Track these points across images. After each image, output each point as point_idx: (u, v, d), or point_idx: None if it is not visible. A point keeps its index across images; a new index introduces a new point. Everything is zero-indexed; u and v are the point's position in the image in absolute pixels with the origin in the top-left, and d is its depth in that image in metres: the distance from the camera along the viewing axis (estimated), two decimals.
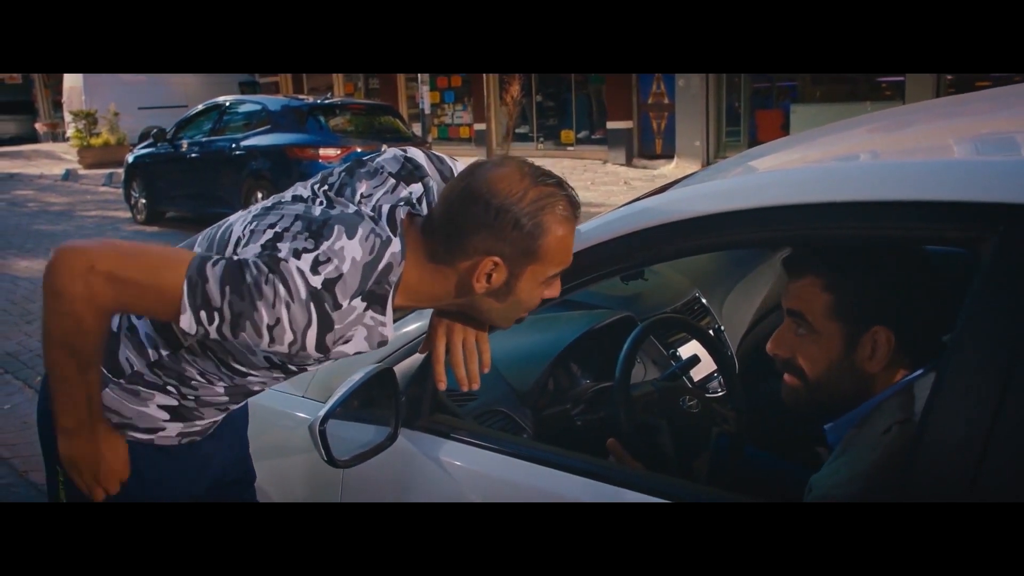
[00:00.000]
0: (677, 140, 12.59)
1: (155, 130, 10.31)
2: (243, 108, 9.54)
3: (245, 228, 1.29)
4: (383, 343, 1.29)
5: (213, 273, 1.19)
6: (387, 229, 1.26)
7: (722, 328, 2.31)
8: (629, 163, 13.27)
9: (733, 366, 2.15)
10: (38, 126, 27.85)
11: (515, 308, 1.30)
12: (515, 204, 1.18)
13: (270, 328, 1.19)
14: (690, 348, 2.10)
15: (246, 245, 1.24)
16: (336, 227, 1.22)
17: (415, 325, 1.66)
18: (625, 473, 1.41)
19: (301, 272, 1.17)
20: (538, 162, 1.28)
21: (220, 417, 1.52)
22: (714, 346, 2.02)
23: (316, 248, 1.19)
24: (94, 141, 18.57)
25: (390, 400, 1.49)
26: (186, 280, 1.18)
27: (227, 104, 9.72)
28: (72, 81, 21.03)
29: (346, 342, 1.25)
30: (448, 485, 1.49)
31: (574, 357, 1.98)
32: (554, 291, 1.30)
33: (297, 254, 1.19)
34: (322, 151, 8.32)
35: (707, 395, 1.98)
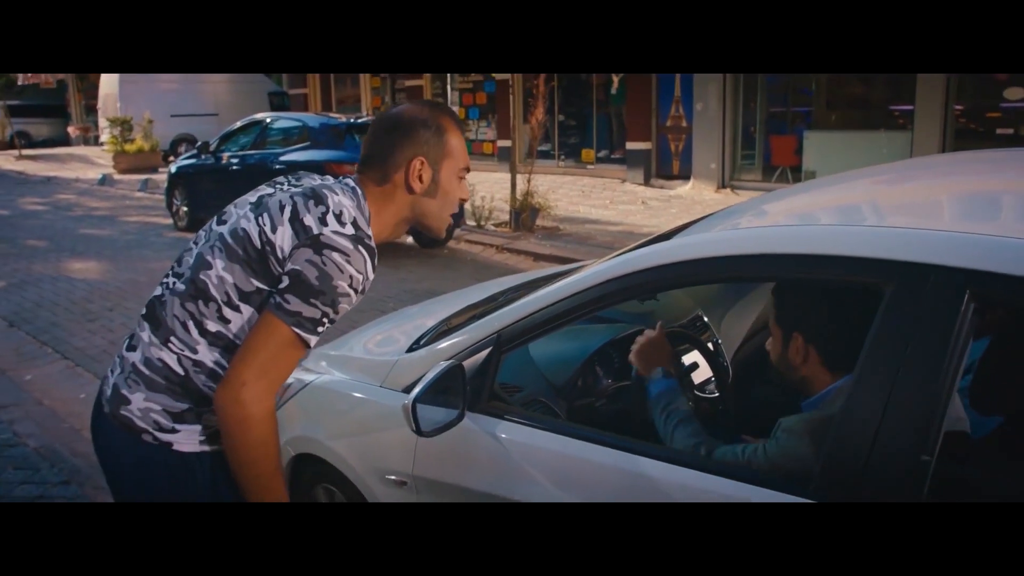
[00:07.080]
0: (694, 162, 12.80)
1: (200, 143, 10.81)
2: (283, 124, 9.91)
3: (251, 221, 1.52)
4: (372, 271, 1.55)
5: (295, 303, 1.45)
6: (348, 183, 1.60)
7: (720, 341, 2.64)
8: (647, 183, 13.44)
9: (727, 374, 2.53)
10: (70, 129, 28.21)
11: (445, 204, 1.64)
12: (419, 116, 1.59)
13: (352, 287, 1.47)
14: (692, 357, 2.43)
15: (273, 231, 1.49)
16: (324, 190, 1.53)
17: (475, 333, 2.10)
18: (636, 444, 1.85)
19: (336, 232, 1.46)
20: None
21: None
22: (712, 356, 2.43)
23: (328, 208, 1.49)
24: (128, 148, 18.93)
25: (459, 389, 1.93)
26: (291, 328, 1.45)
27: (267, 120, 10.13)
28: (108, 88, 21.53)
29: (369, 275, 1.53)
30: (500, 453, 1.93)
31: (598, 361, 2.35)
32: (465, 192, 1.66)
33: (323, 220, 1.47)
34: None
35: (704, 396, 2.38)
